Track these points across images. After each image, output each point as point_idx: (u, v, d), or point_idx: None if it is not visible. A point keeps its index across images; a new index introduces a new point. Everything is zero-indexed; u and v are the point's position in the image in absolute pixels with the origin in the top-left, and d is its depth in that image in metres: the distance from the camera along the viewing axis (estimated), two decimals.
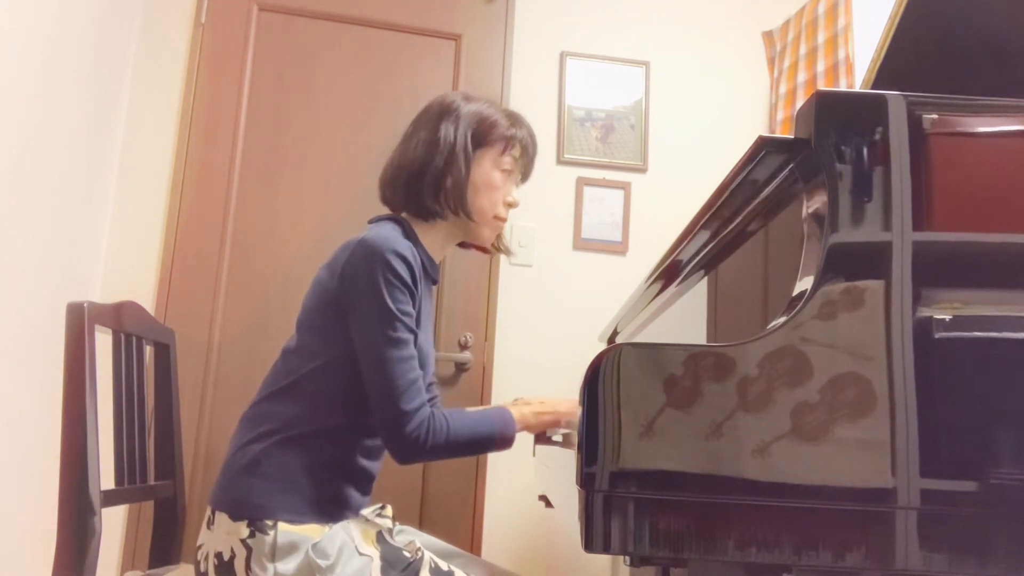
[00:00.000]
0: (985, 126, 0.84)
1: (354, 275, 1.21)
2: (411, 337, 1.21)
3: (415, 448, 1.18)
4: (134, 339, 1.48)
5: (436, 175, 1.32)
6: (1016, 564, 0.74)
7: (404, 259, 1.20)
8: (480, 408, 1.30)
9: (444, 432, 1.19)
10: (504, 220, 1.40)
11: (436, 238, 1.38)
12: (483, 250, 1.49)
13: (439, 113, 1.36)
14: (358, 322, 1.20)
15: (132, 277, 2.25)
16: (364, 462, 1.28)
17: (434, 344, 2.24)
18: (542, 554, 2.37)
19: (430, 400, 1.25)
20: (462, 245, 1.48)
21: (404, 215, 1.38)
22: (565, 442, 1.27)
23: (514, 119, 1.40)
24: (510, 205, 1.40)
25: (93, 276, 2.18)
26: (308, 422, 1.22)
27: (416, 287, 1.23)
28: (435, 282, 1.41)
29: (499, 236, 1.48)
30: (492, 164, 1.36)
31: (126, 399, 1.42)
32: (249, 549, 1.15)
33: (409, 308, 1.21)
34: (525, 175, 1.45)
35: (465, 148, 1.33)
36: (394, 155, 1.38)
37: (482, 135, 1.35)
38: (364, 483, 1.30)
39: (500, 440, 1.25)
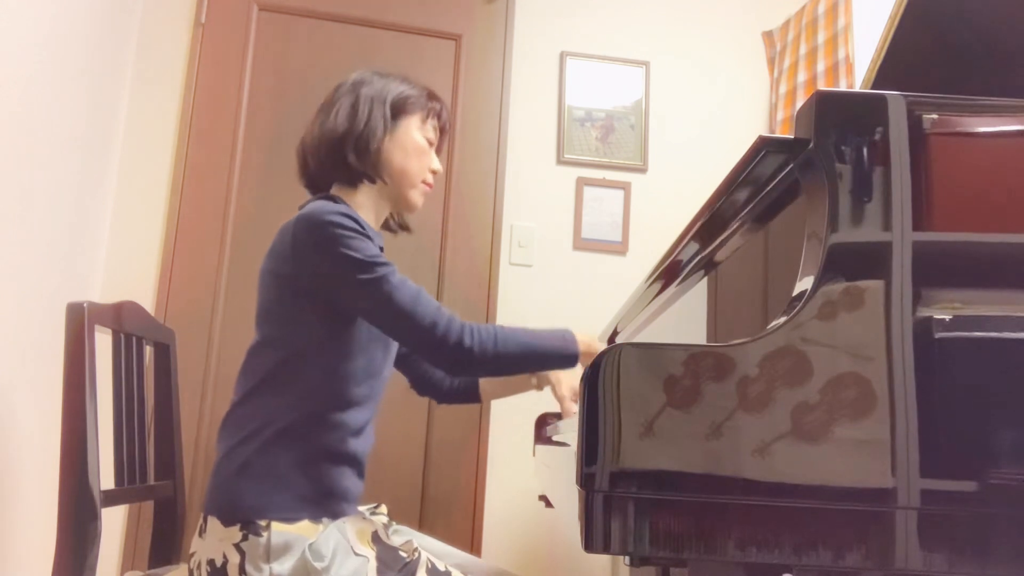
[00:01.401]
0: (985, 126, 0.84)
1: (306, 249, 1.20)
2: (391, 268, 1.21)
3: (462, 352, 1.17)
4: (134, 339, 1.47)
5: (360, 137, 1.32)
6: (1016, 564, 0.74)
7: (345, 214, 1.21)
8: None
9: (492, 335, 1.19)
10: (431, 186, 1.42)
11: (367, 206, 1.37)
12: (388, 229, 1.47)
13: (355, 84, 1.37)
14: (334, 287, 1.20)
15: (132, 277, 2.25)
16: (354, 443, 1.27)
17: None
18: (542, 554, 2.37)
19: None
20: (385, 226, 1.47)
21: (332, 191, 1.37)
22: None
23: (431, 94, 1.42)
24: (434, 172, 1.42)
25: (93, 276, 2.18)
26: (290, 414, 1.21)
27: (367, 234, 1.23)
28: (381, 250, 1.39)
29: (402, 212, 1.48)
30: (417, 130, 1.38)
31: (126, 399, 1.42)
32: (243, 553, 1.14)
33: (373, 250, 1.21)
34: (440, 150, 1.46)
35: (385, 114, 1.34)
36: (312, 128, 1.37)
37: (402, 103, 1.37)
38: (356, 467, 1.28)
39: (561, 353, 1.23)
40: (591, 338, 1.28)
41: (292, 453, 1.20)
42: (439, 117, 1.41)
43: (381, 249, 1.38)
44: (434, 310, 1.19)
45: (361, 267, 1.19)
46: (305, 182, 1.41)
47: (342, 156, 1.33)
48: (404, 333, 1.19)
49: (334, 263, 1.19)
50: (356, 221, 1.22)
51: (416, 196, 1.40)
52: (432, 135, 1.40)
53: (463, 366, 1.19)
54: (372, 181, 1.35)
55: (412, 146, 1.37)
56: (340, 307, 1.22)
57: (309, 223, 1.20)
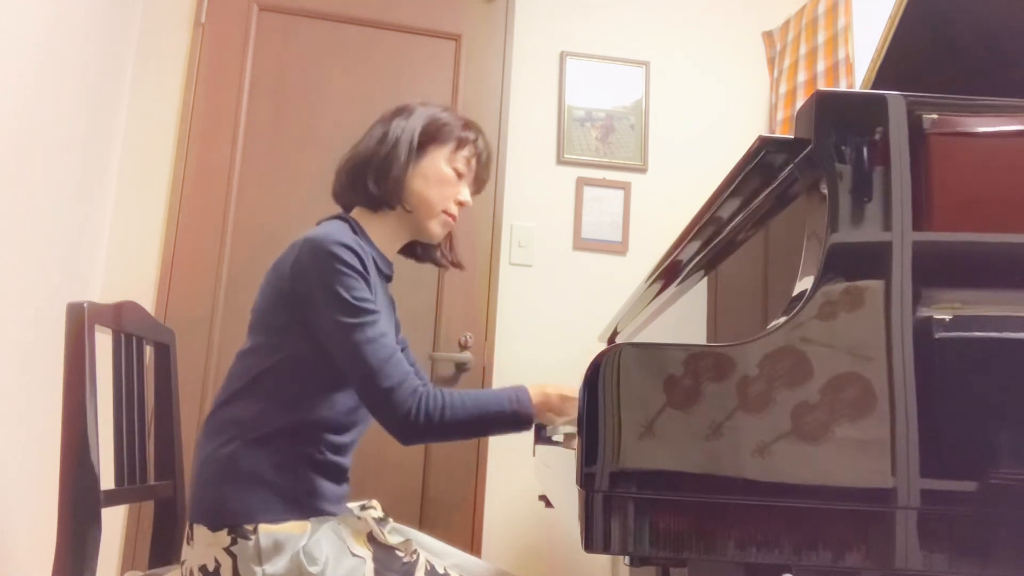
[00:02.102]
0: (985, 126, 0.84)
1: (304, 272, 1.20)
2: (374, 318, 1.20)
3: (408, 424, 1.15)
4: (134, 339, 1.47)
5: (380, 163, 1.33)
6: (1016, 564, 0.74)
7: (350, 249, 1.20)
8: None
9: (440, 406, 1.16)
10: (454, 218, 1.39)
11: (385, 232, 1.37)
12: (435, 262, 1.48)
13: (393, 113, 1.39)
14: (318, 318, 1.20)
15: (132, 277, 2.25)
16: (333, 457, 1.27)
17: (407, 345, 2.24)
18: (542, 554, 2.37)
19: None
20: (414, 256, 1.47)
21: (354, 213, 1.39)
22: (565, 442, 1.27)
23: (468, 124, 1.40)
24: (461, 204, 1.40)
25: (93, 276, 2.18)
26: (270, 421, 1.21)
27: (367, 274, 1.22)
28: (389, 279, 1.40)
29: (451, 247, 1.48)
30: (444, 160, 1.36)
31: (126, 399, 1.42)
32: (234, 556, 1.14)
33: (365, 294, 1.20)
34: (479, 183, 1.44)
35: (411, 141, 1.34)
36: (348, 151, 1.40)
37: (433, 131, 1.36)
38: (336, 476, 1.28)
39: (513, 417, 1.19)
40: (554, 388, 1.24)
41: (272, 458, 1.20)
42: (474, 147, 1.39)
43: (389, 279, 1.39)
44: (399, 376, 1.17)
45: (345, 308, 1.18)
46: (336, 200, 1.43)
47: (362, 181, 1.34)
48: (361, 386, 1.18)
49: (323, 296, 1.19)
50: (359, 257, 1.21)
51: (436, 226, 1.38)
52: (462, 166, 1.38)
53: (407, 436, 1.17)
54: (391, 208, 1.35)
55: (436, 176, 1.35)
56: (319, 338, 1.22)
57: (313, 248, 1.20)
